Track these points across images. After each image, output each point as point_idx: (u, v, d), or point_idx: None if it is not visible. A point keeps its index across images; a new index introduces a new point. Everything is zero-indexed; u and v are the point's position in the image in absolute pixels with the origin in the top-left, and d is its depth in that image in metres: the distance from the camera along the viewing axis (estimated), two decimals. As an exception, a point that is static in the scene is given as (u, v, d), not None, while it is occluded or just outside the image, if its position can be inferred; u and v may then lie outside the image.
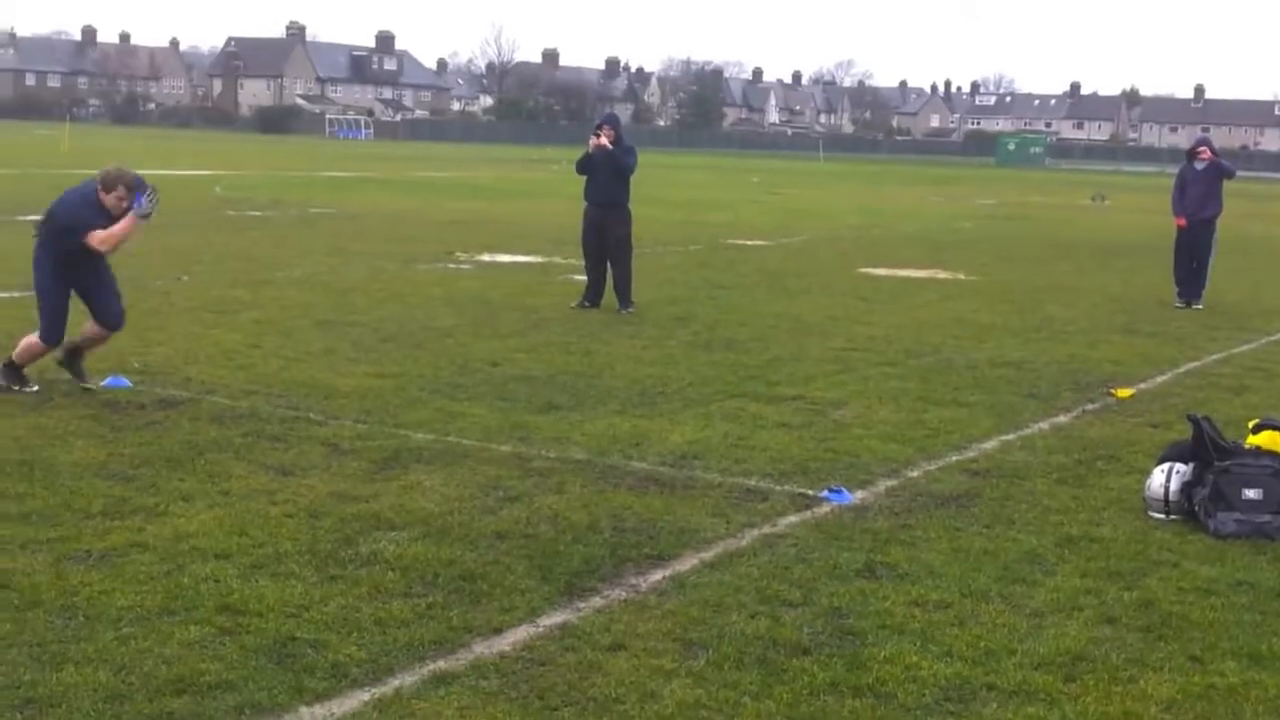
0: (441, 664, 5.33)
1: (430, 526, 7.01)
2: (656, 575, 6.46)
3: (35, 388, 9.90)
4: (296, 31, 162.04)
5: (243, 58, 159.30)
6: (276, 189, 37.66)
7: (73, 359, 10.14)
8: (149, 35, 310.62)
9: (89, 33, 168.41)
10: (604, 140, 15.51)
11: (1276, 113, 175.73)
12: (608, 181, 15.62)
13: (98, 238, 9.71)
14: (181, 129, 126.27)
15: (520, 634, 5.67)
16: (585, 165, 15.73)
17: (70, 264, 9.86)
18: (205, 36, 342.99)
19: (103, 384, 10.10)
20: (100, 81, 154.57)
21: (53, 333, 9.92)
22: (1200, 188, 18.34)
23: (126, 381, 10.22)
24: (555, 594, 6.14)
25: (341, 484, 7.76)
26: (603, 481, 8.06)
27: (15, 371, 9.96)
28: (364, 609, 5.83)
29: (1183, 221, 18.40)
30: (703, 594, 6.19)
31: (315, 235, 23.93)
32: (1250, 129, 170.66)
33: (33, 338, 9.97)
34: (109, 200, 9.79)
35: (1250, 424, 8.33)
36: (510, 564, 6.49)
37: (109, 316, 10.10)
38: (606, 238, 15.59)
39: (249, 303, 14.87)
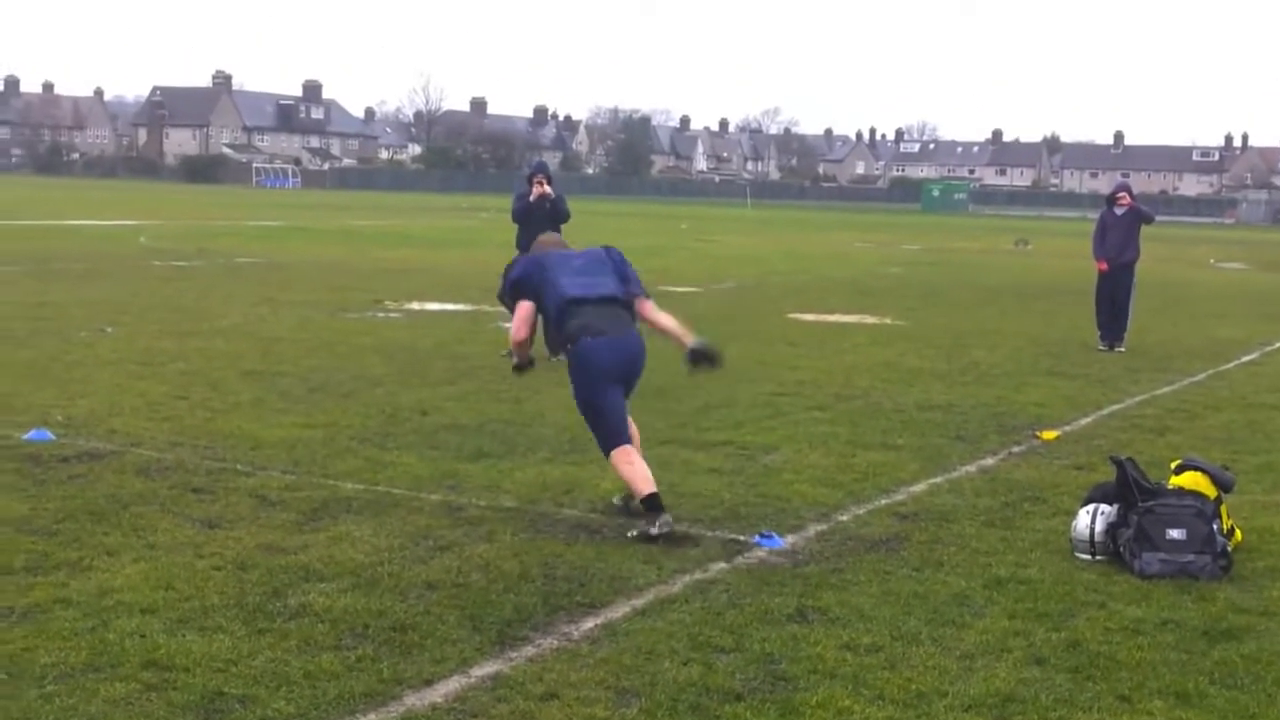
0: (372, 717, 5.28)
1: (360, 577, 6.96)
2: (589, 623, 6.44)
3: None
4: (223, 80, 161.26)
5: (168, 107, 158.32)
6: (202, 238, 37.39)
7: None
8: (73, 84, 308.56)
9: (12, 82, 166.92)
10: (547, 188, 15.58)
11: (1194, 158, 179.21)
12: (542, 230, 15.58)
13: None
14: (106, 179, 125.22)
15: (452, 685, 5.63)
16: (523, 214, 15.74)
17: None
18: (130, 86, 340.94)
19: (24, 437, 9.95)
20: (23, 131, 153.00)
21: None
22: (1120, 233, 18.64)
23: (49, 435, 10.08)
24: (487, 644, 6.11)
25: (269, 536, 7.68)
26: (534, 529, 8.04)
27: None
28: (293, 662, 5.76)
29: (1104, 265, 18.68)
30: (635, 641, 6.18)
31: (242, 285, 23.77)
32: (1169, 174, 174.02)
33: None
34: None
35: (1173, 464, 8.44)
36: (441, 614, 6.45)
37: None
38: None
39: (175, 354, 14.73)
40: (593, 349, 8.24)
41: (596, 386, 8.26)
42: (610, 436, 8.25)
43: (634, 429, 8.47)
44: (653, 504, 8.02)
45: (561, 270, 8.48)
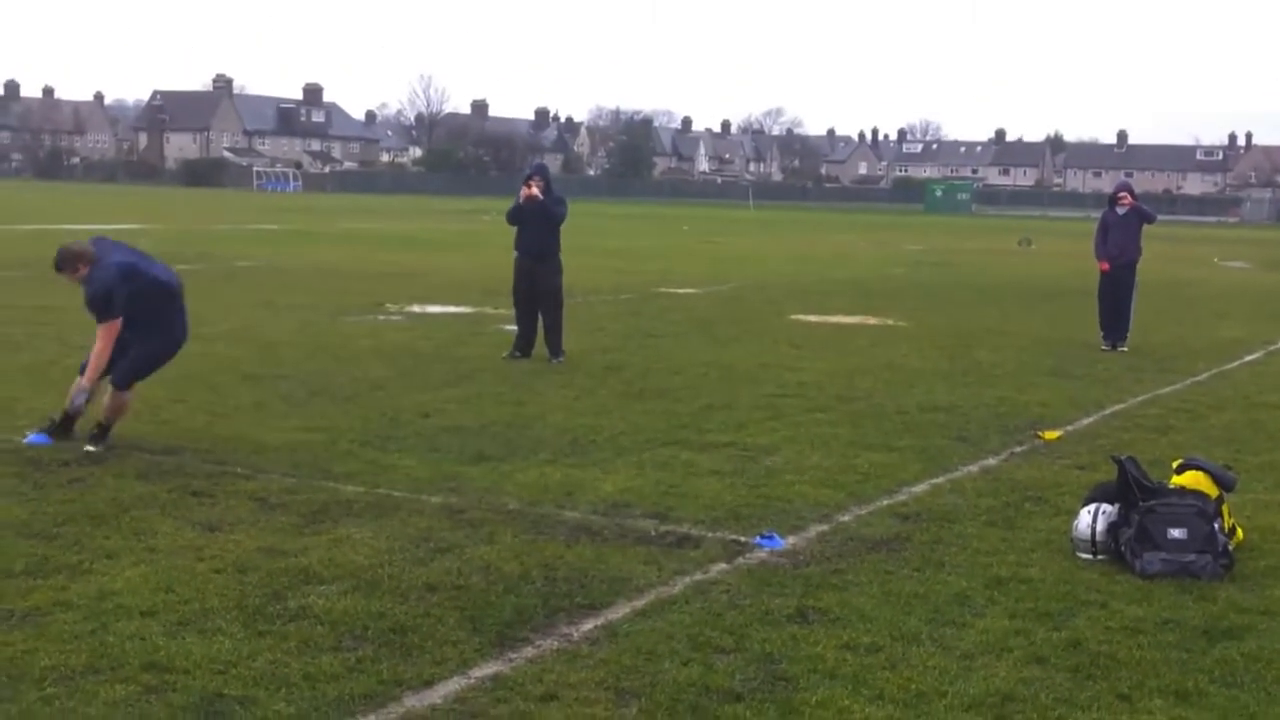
0: (372, 718, 5.29)
1: (360, 579, 6.96)
2: (589, 624, 6.44)
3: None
4: (223, 84, 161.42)
5: (168, 111, 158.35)
6: (203, 242, 37.40)
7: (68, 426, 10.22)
8: (73, 89, 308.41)
9: (12, 87, 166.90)
10: (535, 191, 15.52)
11: (1198, 157, 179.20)
12: (539, 232, 15.64)
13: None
14: (106, 183, 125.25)
15: (452, 686, 5.63)
16: (516, 216, 15.73)
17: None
18: (130, 90, 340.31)
19: (24, 441, 9.96)
20: (23, 136, 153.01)
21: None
22: (1122, 233, 18.63)
23: (49, 439, 10.07)
24: (487, 645, 6.11)
25: (270, 538, 7.68)
26: (534, 531, 8.04)
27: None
28: (293, 664, 5.76)
29: (1106, 266, 18.67)
30: (635, 642, 6.18)
31: (242, 289, 23.78)
32: (1173, 173, 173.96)
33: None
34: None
35: (1174, 464, 8.44)
36: (441, 616, 6.45)
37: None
38: (538, 288, 15.59)
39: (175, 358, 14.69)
40: (183, 328, 10.39)
41: (167, 356, 10.37)
42: (138, 378, 10.21)
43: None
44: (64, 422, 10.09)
45: (142, 259, 10.29)
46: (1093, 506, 7.95)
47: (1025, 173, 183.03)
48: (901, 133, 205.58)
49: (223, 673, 5.65)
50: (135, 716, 5.20)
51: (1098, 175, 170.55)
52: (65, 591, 6.62)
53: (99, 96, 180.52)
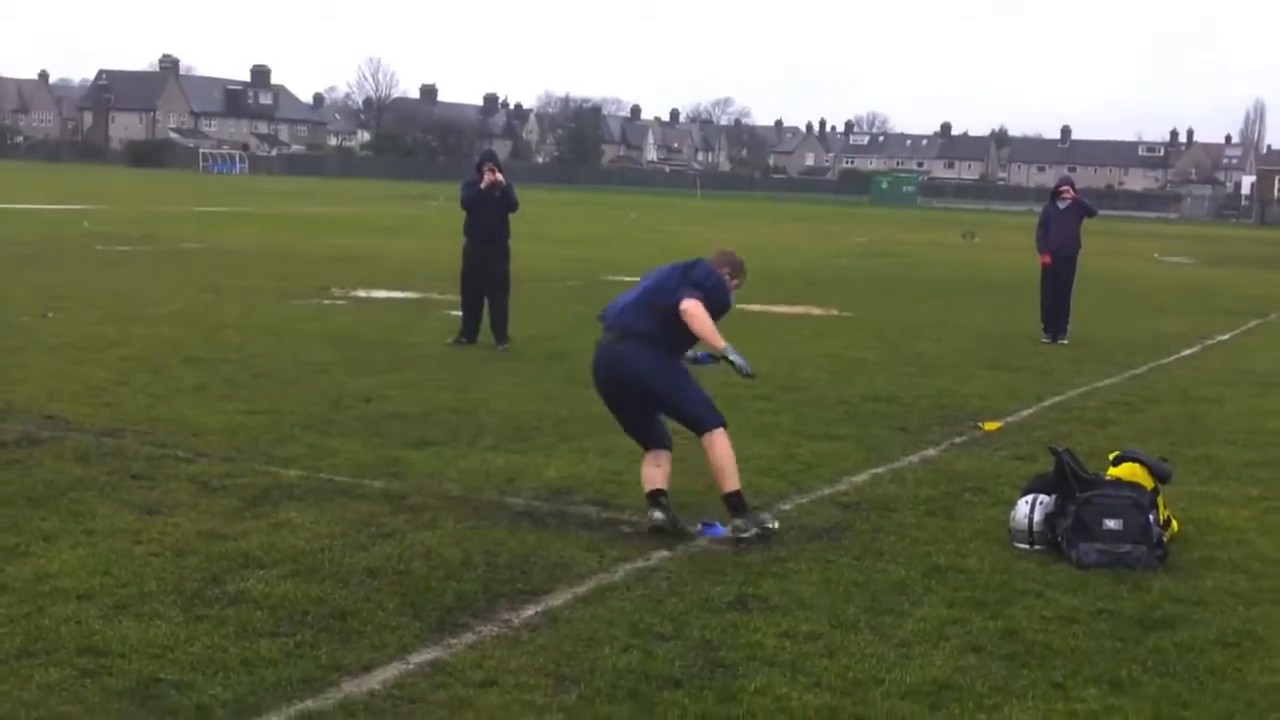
0: (310, 703, 5.27)
1: (300, 564, 6.93)
2: (529, 610, 6.44)
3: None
4: (170, 65, 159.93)
5: (114, 91, 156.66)
6: (148, 224, 37.06)
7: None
8: (18, 68, 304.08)
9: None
10: (499, 176, 15.50)
11: (1140, 154, 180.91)
12: (492, 218, 15.62)
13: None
14: (50, 162, 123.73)
15: (391, 672, 5.62)
16: (474, 201, 15.67)
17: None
18: (76, 69, 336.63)
19: (-37, 422, 9.85)
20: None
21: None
22: (1063, 226, 18.81)
23: None
24: (427, 630, 6.10)
25: (209, 522, 7.64)
26: (477, 517, 8.03)
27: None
28: (230, 649, 5.74)
29: (1047, 259, 18.83)
30: (575, 628, 6.19)
31: (187, 271, 23.58)
32: (1115, 169, 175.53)
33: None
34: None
35: (1111, 456, 8.53)
36: (381, 601, 6.43)
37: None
38: (487, 272, 15.57)
39: (117, 339, 14.60)
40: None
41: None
42: None
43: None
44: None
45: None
46: (1030, 497, 8.03)
47: (970, 166, 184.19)
48: (849, 125, 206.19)
49: (159, 657, 5.61)
50: (70, 700, 5.16)
51: (1041, 170, 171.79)
52: (1, 574, 6.56)
53: (44, 75, 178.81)
